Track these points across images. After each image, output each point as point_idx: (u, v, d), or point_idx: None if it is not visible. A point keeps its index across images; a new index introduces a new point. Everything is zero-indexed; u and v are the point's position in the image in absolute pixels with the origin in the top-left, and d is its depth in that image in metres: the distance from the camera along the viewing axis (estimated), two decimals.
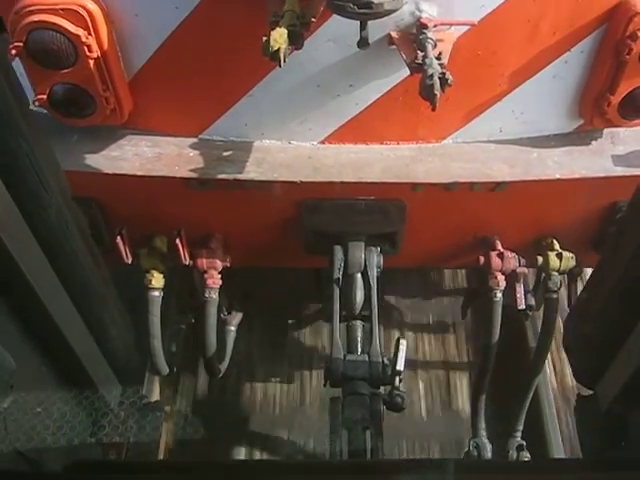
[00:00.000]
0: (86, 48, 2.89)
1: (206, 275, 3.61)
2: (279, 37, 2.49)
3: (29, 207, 2.50)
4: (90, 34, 2.89)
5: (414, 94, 2.94)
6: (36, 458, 2.78)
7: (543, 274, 3.76)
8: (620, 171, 3.28)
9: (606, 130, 3.42)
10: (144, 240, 3.57)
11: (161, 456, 3.93)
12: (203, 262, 3.58)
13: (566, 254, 3.58)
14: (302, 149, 3.37)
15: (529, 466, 3.49)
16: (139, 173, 3.22)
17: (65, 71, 2.98)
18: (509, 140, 3.39)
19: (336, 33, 2.95)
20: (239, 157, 3.30)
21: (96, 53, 2.93)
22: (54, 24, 2.82)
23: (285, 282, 4.88)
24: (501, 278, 3.63)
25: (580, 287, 3.97)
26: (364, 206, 3.39)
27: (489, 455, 3.96)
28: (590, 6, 2.97)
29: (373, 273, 3.53)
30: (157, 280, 3.60)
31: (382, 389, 3.29)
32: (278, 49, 2.49)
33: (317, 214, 3.43)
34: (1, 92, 2.25)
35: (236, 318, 4.26)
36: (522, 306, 3.73)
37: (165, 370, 3.84)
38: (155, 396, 3.99)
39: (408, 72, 2.91)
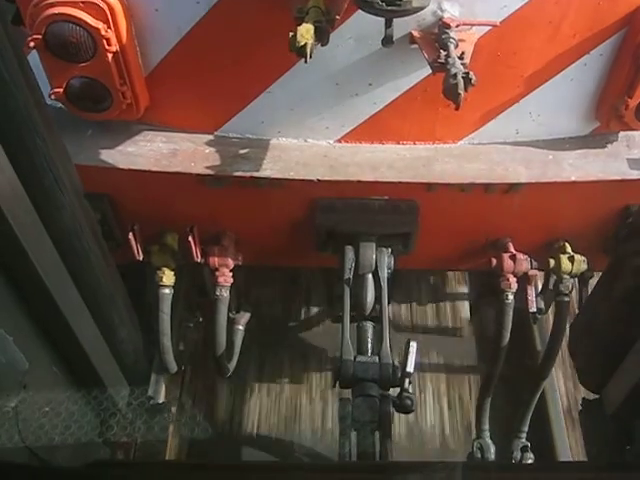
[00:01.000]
0: (105, 42, 2.87)
1: (217, 273, 3.60)
2: (306, 32, 2.49)
3: (44, 207, 2.48)
4: (110, 28, 2.87)
5: (433, 94, 2.95)
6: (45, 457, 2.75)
7: (552, 277, 3.76)
8: (636, 174, 3.29)
9: (621, 133, 3.44)
10: (154, 237, 3.54)
11: (167, 457, 3.90)
12: (215, 260, 3.56)
13: (578, 257, 3.58)
14: (318, 147, 3.36)
15: (532, 467, 3.50)
16: (155, 169, 3.21)
17: (83, 64, 2.96)
18: (525, 142, 3.39)
19: (358, 31, 2.93)
20: (255, 155, 3.29)
21: (115, 47, 2.92)
22: (74, 17, 2.80)
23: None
24: (513, 280, 3.62)
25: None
26: (377, 206, 3.39)
27: (492, 456, 3.95)
28: (611, 9, 2.97)
29: (384, 274, 3.52)
30: (168, 277, 3.58)
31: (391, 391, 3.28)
32: (305, 44, 2.48)
33: (331, 213, 3.41)
34: (19, 88, 2.21)
35: (244, 317, 4.22)
36: (533, 309, 3.73)
37: (174, 368, 3.81)
38: (161, 397, 3.94)
39: (427, 72, 2.91)
